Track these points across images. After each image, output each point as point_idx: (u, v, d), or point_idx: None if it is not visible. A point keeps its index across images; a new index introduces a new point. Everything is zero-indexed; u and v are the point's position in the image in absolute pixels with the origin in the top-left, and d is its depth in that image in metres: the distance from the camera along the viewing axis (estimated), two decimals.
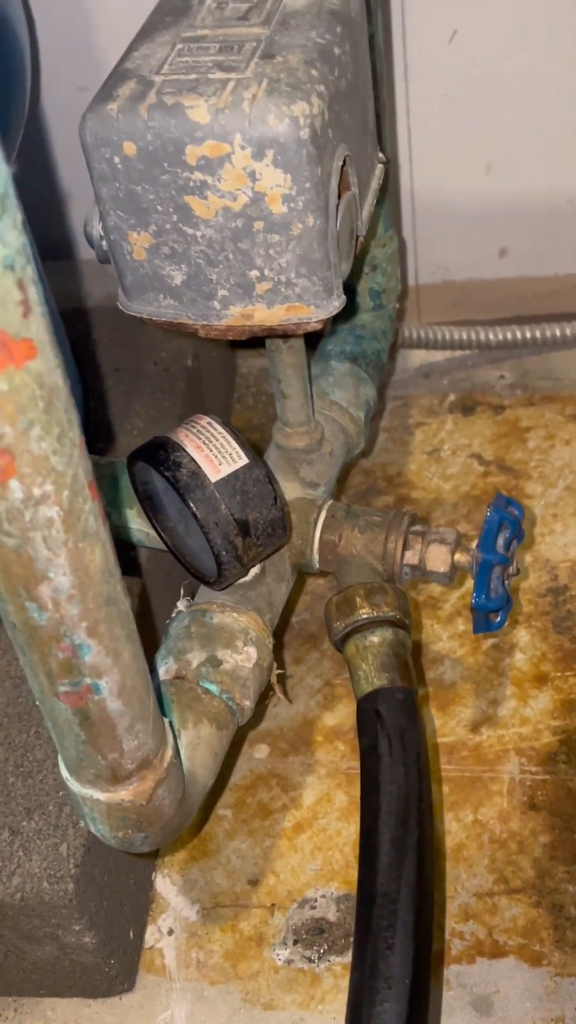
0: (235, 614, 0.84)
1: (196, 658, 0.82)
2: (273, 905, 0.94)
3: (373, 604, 0.87)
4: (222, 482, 0.77)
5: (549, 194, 1.32)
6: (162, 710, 0.68)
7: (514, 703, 1.04)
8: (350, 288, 1.02)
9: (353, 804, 0.99)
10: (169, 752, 0.67)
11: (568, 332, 1.33)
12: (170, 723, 0.69)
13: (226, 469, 0.78)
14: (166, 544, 0.87)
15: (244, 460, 0.79)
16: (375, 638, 0.86)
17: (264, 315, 0.76)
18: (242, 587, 0.87)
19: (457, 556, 0.91)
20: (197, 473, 0.77)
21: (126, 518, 0.94)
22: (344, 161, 0.74)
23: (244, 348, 1.43)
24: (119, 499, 0.94)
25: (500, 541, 0.89)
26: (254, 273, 0.74)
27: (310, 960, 0.90)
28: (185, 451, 0.78)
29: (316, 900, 0.94)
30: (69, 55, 1.20)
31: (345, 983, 0.78)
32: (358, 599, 0.88)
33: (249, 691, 0.83)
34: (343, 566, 0.92)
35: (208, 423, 0.80)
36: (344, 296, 0.77)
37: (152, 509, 0.86)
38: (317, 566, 0.94)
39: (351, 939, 0.84)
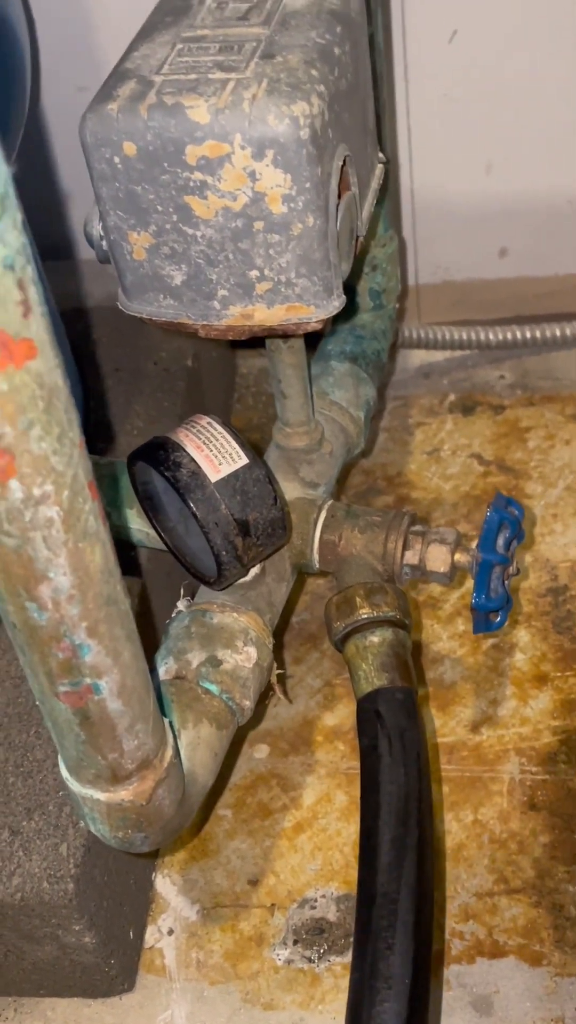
0: (235, 614, 0.84)
1: (196, 658, 0.82)
2: (273, 905, 0.94)
3: (373, 604, 0.87)
4: (222, 482, 0.77)
5: (549, 194, 1.32)
6: (162, 710, 0.68)
7: (514, 703, 1.04)
8: (350, 288, 1.02)
9: (353, 804, 0.99)
10: (169, 752, 0.67)
11: (568, 332, 1.33)
12: (170, 723, 0.69)
13: (226, 469, 0.78)
14: (166, 544, 0.87)
15: (244, 460, 0.79)
16: (375, 638, 0.86)
17: (264, 315, 0.76)
18: (242, 587, 0.87)
19: (457, 556, 0.91)
20: (197, 473, 0.77)
21: (126, 518, 0.94)
22: (344, 161, 0.74)
23: (244, 348, 1.43)
24: (119, 499, 0.94)
25: (500, 541, 0.89)
26: (254, 273, 0.74)
27: (310, 960, 0.90)
28: (185, 451, 0.78)
29: (316, 900, 0.94)
30: (69, 55, 1.20)
31: (345, 983, 0.78)
32: (358, 599, 0.88)
33: (249, 691, 0.83)
34: (343, 566, 0.92)
35: (208, 423, 0.80)
36: (344, 296, 0.77)
37: (152, 509, 0.86)
38: (317, 566, 0.94)
39: (351, 939, 0.84)
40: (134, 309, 0.79)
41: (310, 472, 0.97)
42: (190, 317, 0.78)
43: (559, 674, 1.06)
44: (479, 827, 0.96)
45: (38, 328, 0.44)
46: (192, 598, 0.89)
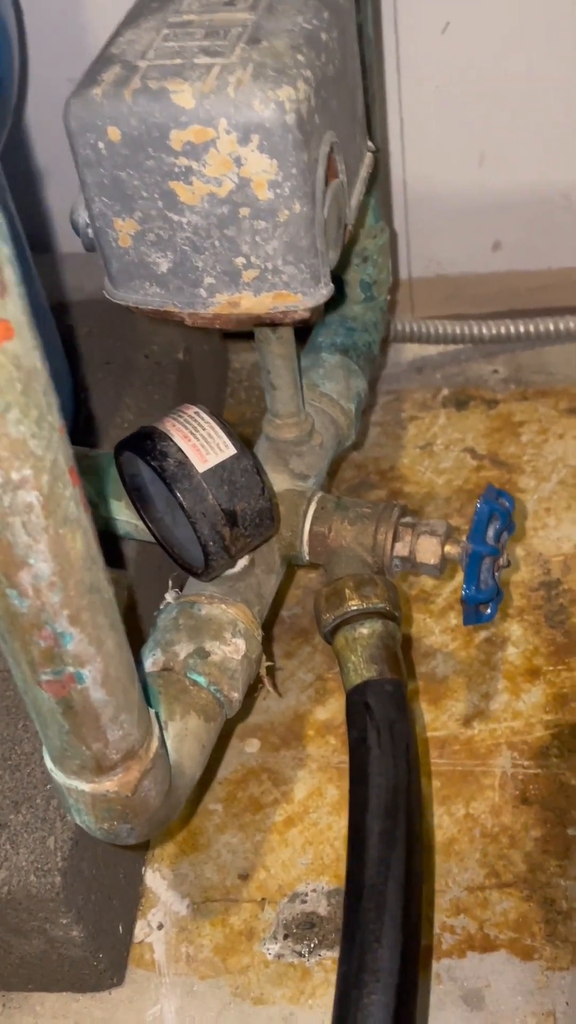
0: (223, 606, 0.84)
1: (184, 650, 0.81)
2: (263, 899, 0.93)
3: (363, 596, 0.87)
4: (209, 472, 0.77)
5: (542, 187, 1.31)
6: (149, 702, 0.68)
7: (506, 697, 1.04)
8: (339, 278, 1.02)
9: (344, 798, 0.98)
10: (155, 743, 0.67)
11: (562, 326, 1.32)
12: (157, 714, 0.69)
13: (213, 459, 0.77)
14: (154, 535, 0.86)
15: (232, 450, 0.78)
16: (364, 630, 0.86)
17: (251, 303, 0.76)
18: (231, 579, 0.86)
19: (447, 548, 0.90)
20: (184, 463, 0.77)
21: (115, 510, 0.94)
22: (331, 148, 0.73)
23: (236, 340, 1.42)
24: (107, 491, 0.94)
25: (490, 532, 0.88)
26: (240, 260, 0.74)
27: (300, 954, 0.90)
28: (172, 441, 0.77)
29: (307, 894, 0.93)
30: (59, 43, 1.19)
31: (335, 977, 0.77)
32: (347, 591, 0.87)
33: (237, 683, 0.82)
34: (333, 558, 0.92)
35: (195, 413, 0.80)
36: (332, 284, 0.77)
37: (140, 500, 0.85)
38: (307, 558, 0.94)
39: None
40: (120, 297, 0.79)
41: (300, 464, 0.97)
42: (176, 305, 0.77)
43: (551, 668, 1.05)
44: (471, 821, 0.96)
45: (15, 309, 0.44)
46: (181, 590, 0.88)
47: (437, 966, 0.88)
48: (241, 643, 0.83)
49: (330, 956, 0.89)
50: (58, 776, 0.66)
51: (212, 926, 0.92)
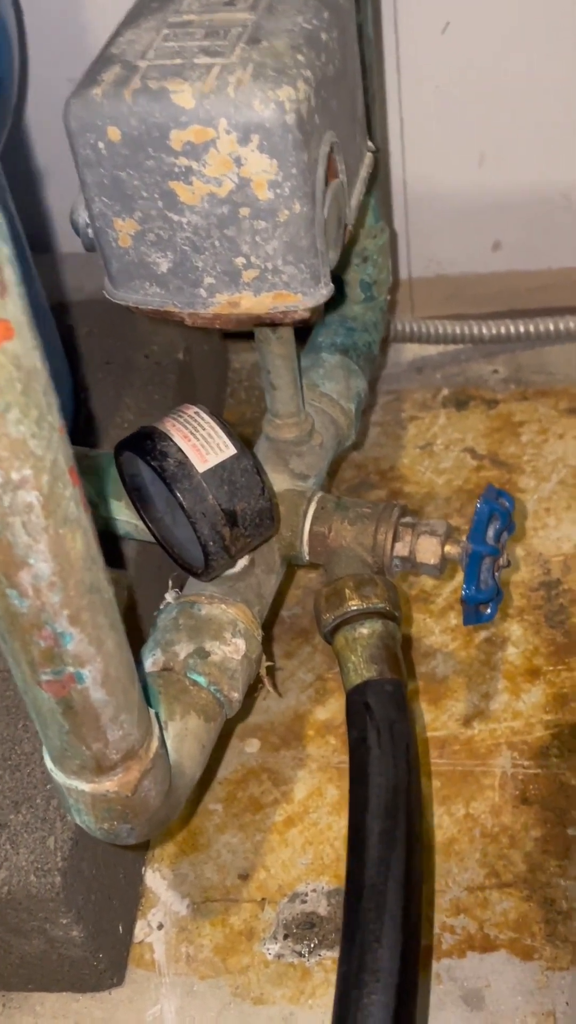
0: (223, 606, 0.84)
1: (184, 650, 0.81)
2: (263, 899, 0.93)
3: (363, 596, 0.87)
4: (209, 472, 0.77)
5: (542, 187, 1.31)
6: (149, 702, 0.68)
7: (506, 697, 1.04)
8: (339, 278, 1.02)
9: (344, 798, 0.98)
10: (155, 743, 0.67)
11: (562, 326, 1.32)
12: (157, 715, 0.69)
13: (213, 459, 0.77)
14: (154, 535, 0.86)
15: (232, 450, 0.78)
16: (364, 630, 0.86)
17: (251, 303, 0.76)
18: (231, 579, 0.86)
19: (447, 548, 0.90)
20: (184, 463, 0.77)
21: (115, 510, 0.94)
22: (331, 148, 0.73)
23: (236, 340, 1.42)
24: (107, 491, 0.93)
25: (490, 532, 0.88)
26: (240, 260, 0.74)
27: (300, 955, 0.90)
28: (172, 441, 0.77)
29: (307, 894, 0.93)
30: (59, 43, 1.19)
31: (336, 977, 0.77)
32: (347, 591, 0.87)
33: (237, 683, 0.82)
34: (333, 558, 0.92)
35: (195, 413, 0.80)
36: (332, 285, 0.77)
37: (140, 500, 0.85)
38: (307, 558, 0.93)
39: None
40: (120, 297, 0.79)
41: (300, 464, 0.97)
42: (176, 305, 0.77)
43: (551, 668, 1.05)
44: (471, 821, 0.96)
45: (15, 309, 0.44)
46: (181, 590, 0.88)
47: (437, 966, 0.88)
48: (241, 643, 0.83)
49: (330, 956, 0.89)
50: (58, 776, 0.66)
51: (212, 926, 0.92)
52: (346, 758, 0.98)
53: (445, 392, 1.36)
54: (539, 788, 0.97)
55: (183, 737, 0.77)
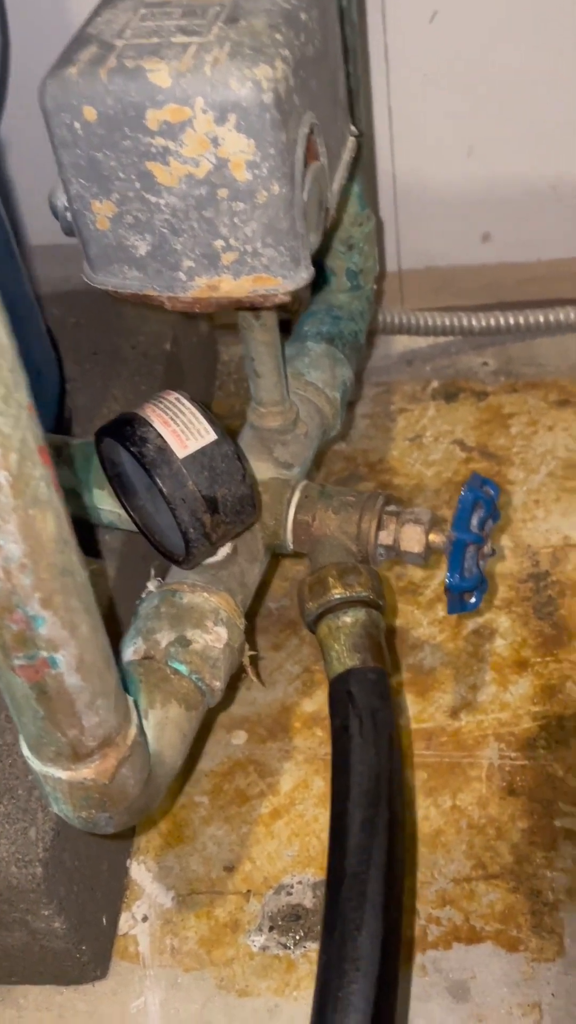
0: (205, 594, 0.83)
1: (165, 638, 0.80)
2: (249, 891, 0.92)
3: (346, 584, 0.86)
4: (189, 458, 0.76)
5: (531, 178, 1.30)
6: (129, 690, 0.67)
7: (494, 689, 1.03)
8: (320, 263, 1.01)
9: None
10: (133, 730, 0.66)
11: (551, 318, 1.31)
12: (136, 703, 0.68)
13: (194, 445, 0.77)
14: (135, 523, 0.85)
15: (212, 436, 0.77)
16: (348, 618, 0.85)
17: (231, 286, 0.75)
18: (213, 567, 0.85)
19: (431, 536, 0.89)
20: (164, 449, 0.76)
21: (98, 499, 0.93)
22: (311, 129, 0.73)
23: (225, 332, 1.41)
24: (91, 480, 0.93)
25: (474, 520, 0.88)
26: (219, 243, 0.73)
27: (285, 947, 0.89)
28: (152, 426, 0.77)
29: (292, 886, 0.92)
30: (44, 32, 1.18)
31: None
32: (331, 579, 0.86)
33: (219, 671, 0.81)
34: (317, 546, 0.91)
35: (176, 399, 0.79)
36: (313, 268, 0.76)
37: (121, 487, 0.85)
38: (291, 547, 0.93)
39: None
40: (99, 281, 0.78)
41: (284, 452, 0.96)
42: (155, 289, 0.76)
43: (539, 660, 1.05)
44: (457, 813, 0.95)
45: None
46: (163, 579, 0.87)
47: (423, 958, 0.87)
48: (223, 632, 0.82)
49: (315, 948, 0.88)
50: (34, 763, 0.65)
51: (197, 918, 0.91)
52: None
53: (435, 384, 1.35)
54: (526, 779, 0.96)
55: (163, 726, 0.76)
